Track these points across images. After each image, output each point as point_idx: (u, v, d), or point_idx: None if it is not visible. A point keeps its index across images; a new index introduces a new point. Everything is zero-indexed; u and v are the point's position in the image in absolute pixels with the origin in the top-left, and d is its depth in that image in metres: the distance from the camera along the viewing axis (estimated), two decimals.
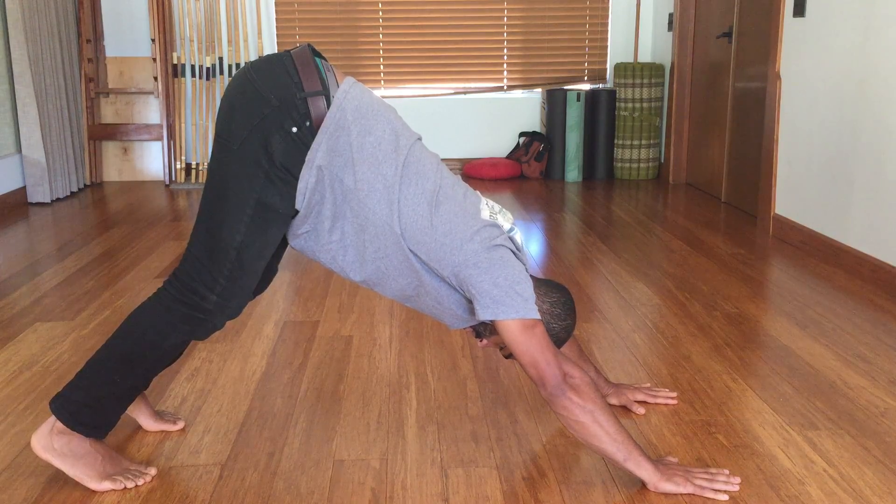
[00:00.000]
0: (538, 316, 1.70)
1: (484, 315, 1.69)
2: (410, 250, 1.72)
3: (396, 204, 1.69)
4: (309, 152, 1.67)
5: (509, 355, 1.88)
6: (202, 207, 1.74)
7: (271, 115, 1.66)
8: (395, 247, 1.72)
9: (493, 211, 1.81)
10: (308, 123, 1.67)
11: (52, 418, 1.76)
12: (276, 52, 1.72)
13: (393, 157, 1.70)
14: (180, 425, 2.05)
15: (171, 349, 1.80)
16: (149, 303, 1.79)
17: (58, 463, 1.75)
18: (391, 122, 1.74)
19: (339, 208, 1.72)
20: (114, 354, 1.77)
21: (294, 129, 1.66)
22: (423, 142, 1.81)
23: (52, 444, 1.74)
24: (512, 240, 1.79)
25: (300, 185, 1.69)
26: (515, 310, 1.67)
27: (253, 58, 5.72)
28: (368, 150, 1.69)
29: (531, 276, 1.83)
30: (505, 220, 1.81)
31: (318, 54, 1.75)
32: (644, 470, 1.72)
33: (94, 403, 1.76)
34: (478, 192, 1.85)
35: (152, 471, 1.82)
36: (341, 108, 1.68)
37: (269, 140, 1.66)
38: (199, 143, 5.72)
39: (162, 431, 2.03)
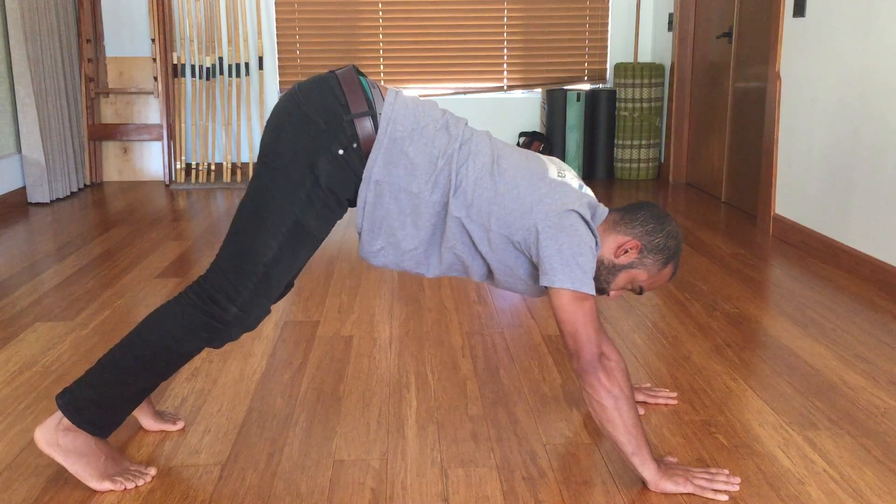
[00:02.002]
0: (592, 292, 1.70)
1: (542, 281, 1.71)
2: (483, 226, 1.74)
3: (459, 188, 1.73)
4: (365, 170, 1.72)
5: (640, 291, 1.88)
6: (236, 221, 1.77)
7: (318, 137, 1.70)
8: (461, 231, 1.76)
9: (561, 168, 1.83)
10: (355, 145, 1.71)
11: (59, 414, 1.75)
12: (322, 73, 1.79)
13: (447, 148, 1.74)
14: (180, 425, 2.05)
15: (186, 355, 1.80)
16: (168, 307, 1.78)
17: (60, 459, 1.74)
18: (438, 119, 1.78)
19: (408, 216, 1.76)
20: (128, 355, 1.77)
21: (341, 152, 1.70)
22: (469, 124, 1.86)
23: (58, 440, 1.74)
24: (588, 200, 1.80)
25: (358, 203, 1.74)
26: (571, 280, 1.68)
27: (253, 58, 5.73)
28: (424, 151, 1.73)
29: (612, 210, 1.86)
30: (573, 178, 1.82)
31: (362, 74, 1.79)
32: (647, 468, 1.72)
33: (102, 402, 1.76)
34: (539, 154, 1.87)
35: (152, 471, 1.82)
36: (391, 121, 1.72)
37: (315, 162, 1.69)
38: (199, 143, 5.73)
39: (162, 431, 2.03)
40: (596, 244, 1.76)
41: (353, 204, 1.79)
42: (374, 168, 1.72)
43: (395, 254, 1.80)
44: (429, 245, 1.79)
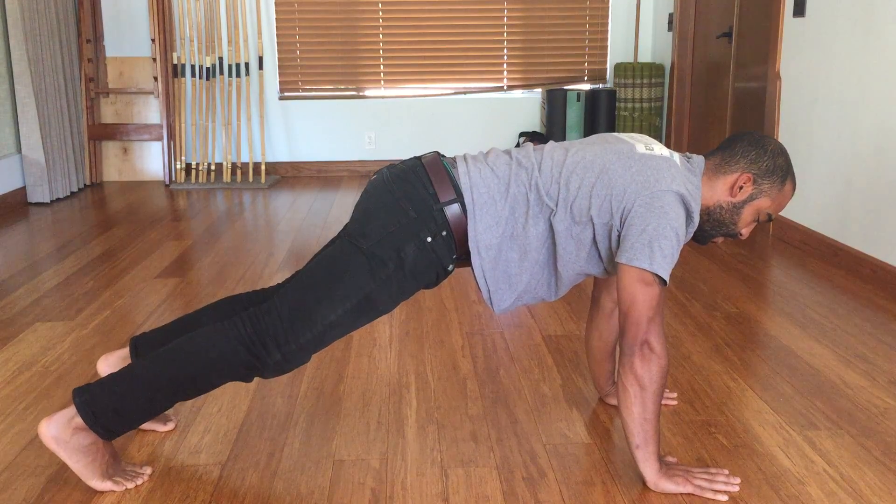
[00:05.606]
0: (665, 276, 1.69)
1: (618, 258, 1.71)
2: (588, 223, 1.76)
3: (557, 204, 1.76)
4: (470, 243, 1.77)
5: (770, 218, 1.86)
6: (306, 278, 1.79)
7: (409, 225, 1.75)
8: (570, 240, 1.78)
9: (648, 142, 1.83)
10: (445, 233, 1.76)
11: (71, 411, 1.72)
12: (409, 162, 1.84)
13: (530, 180, 1.78)
14: (170, 426, 2.04)
15: (218, 385, 1.80)
16: (217, 337, 1.76)
17: (65, 457, 1.72)
18: (509, 161, 1.82)
19: (524, 258, 1.80)
20: (165, 375, 1.75)
21: (429, 239, 1.75)
22: (531, 144, 1.91)
23: (68, 437, 1.71)
24: (683, 169, 1.78)
25: (476, 273, 1.80)
26: (649, 261, 1.67)
27: (253, 58, 5.73)
28: (512, 195, 1.77)
29: (707, 155, 1.85)
30: (661, 148, 1.82)
31: (442, 156, 1.84)
32: (649, 466, 1.73)
33: (123, 411, 1.73)
34: (618, 134, 1.88)
35: (148, 470, 1.83)
36: (473, 187, 1.77)
37: (403, 248, 1.74)
38: (199, 143, 5.72)
39: (153, 431, 2.03)
40: (688, 226, 1.76)
41: (429, 287, 1.84)
42: (478, 236, 1.76)
43: (527, 294, 1.85)
44: (550, 270, 1.83)
